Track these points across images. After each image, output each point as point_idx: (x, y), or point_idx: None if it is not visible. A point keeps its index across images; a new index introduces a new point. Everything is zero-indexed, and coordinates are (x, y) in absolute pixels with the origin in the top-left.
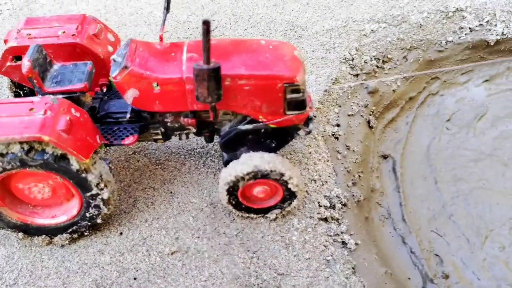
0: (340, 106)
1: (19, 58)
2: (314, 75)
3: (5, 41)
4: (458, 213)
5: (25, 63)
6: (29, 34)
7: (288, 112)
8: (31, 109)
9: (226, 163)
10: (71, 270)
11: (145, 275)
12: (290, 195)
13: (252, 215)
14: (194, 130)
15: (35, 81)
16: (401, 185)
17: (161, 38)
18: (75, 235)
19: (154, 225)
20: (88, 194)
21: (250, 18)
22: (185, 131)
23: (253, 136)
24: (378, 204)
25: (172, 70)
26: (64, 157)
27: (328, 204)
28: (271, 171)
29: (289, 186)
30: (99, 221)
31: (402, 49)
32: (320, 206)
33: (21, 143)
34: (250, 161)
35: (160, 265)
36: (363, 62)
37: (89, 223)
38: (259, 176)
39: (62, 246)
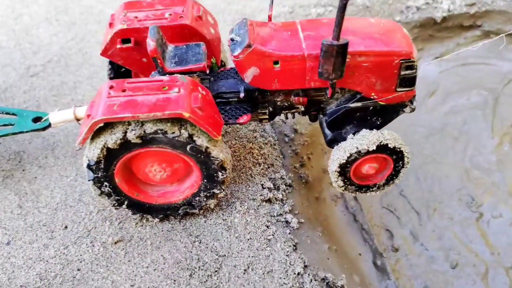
0: None
1: (126, 41)
2: None
3: (111, 25)
4: (409, 188)
5: (150, 43)
6: (136, 17)
7: (399, 89)
8: (163, 87)
9: (330, 142)
10: (16, 265)
11: (88, 265)
12: (399, 168)
13: (358, 192)
14: (302, 109)
15: (158, 61)
16: None
17: (269, 18)
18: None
19: (99, 217)
20: (210, 175)
21: None
22: (293, 110)
23: (360, 114)
24: (330, 184)
25: (293, 47)
26: (191, 136)
27: (272, 186)
28: (393, 146)
29: (405, 160)
30: (212, 205)
31: None
32: (263, 188)
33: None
34: (370, 137)
35: (103, 255)
36: None
37: (204, 204)
38: (376, 151)
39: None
